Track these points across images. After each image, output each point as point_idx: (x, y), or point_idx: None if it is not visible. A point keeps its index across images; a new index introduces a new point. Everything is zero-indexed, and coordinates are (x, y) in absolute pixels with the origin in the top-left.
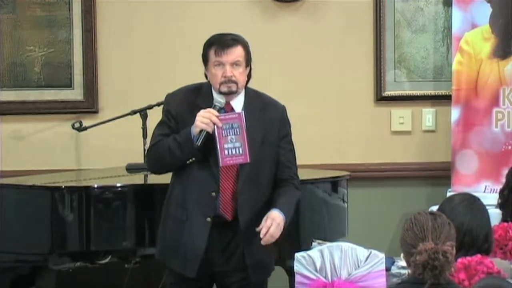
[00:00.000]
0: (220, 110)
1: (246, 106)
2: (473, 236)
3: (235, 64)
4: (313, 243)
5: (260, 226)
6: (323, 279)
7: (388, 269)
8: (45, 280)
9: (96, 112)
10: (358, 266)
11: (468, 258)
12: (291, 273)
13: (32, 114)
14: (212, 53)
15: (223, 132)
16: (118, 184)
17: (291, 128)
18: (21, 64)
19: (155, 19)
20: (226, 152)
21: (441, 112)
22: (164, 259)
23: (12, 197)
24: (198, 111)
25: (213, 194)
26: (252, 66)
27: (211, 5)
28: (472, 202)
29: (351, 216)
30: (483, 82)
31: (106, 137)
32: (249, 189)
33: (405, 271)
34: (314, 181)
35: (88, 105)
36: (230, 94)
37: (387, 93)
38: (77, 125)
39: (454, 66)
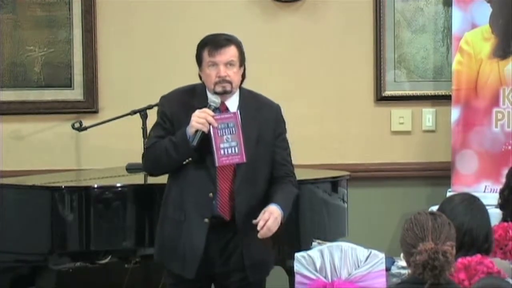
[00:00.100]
0: (215, 110)
1: (241, 106)
2: (473, 236)
3: (229, 64)
4: (313, 243)
5: (258, 219)
6: (323, 279)
7: (388, 269)
8: (45, 280)
9: (96, 112)
10: (358, 266)
11: (468, 258)
12: (291, 273)
13: (32, 114)
14: (205, 53)
15: (219, 131)
16: (118, 184)
17: (291, 128)
18: (21, 64)
19: (155, 19)
20: (222, 151)
21: (441, 112)
22: (162, 260)
23: (12, 197)
24: (193, 112)
25: (211, 194)
26: (252, 66)
27: (211, 5)
28: (472, 202)
29: (351, 216)
30: (483, 82)
31: (106, 137)
32: (246, 188)
33: (405, 271)
34: (314, 181)
35: (88, 105)
36: (224, 94)
37: (387, 93)
38: (77, 125)
39: (454, 66)
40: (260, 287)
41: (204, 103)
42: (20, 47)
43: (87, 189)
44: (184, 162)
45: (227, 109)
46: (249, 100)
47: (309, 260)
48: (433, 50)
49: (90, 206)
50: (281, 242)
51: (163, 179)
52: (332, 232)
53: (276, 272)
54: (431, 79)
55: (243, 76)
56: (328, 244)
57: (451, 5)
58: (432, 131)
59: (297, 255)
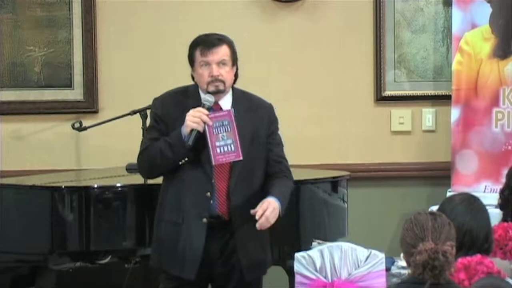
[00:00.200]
0: (209, 109)
1: (234, 106)
2: (473, 236)
3: (221, 63)
4: (313, 243)
5: (256, 209)
6: (323, 279)
7: (388, 269)
8: (45, 280)
9: (96, 112)
10: (358, 266)
11: (468, 258)
12: (291, 273)
13: (32, 114)
14: (198, 53)
15: (214, 130)
16: (118, 184)
17: (291, 128)
18: (21, 64)
19: (155, 19)
20: (218, 150)
21: (441, 112)
22: (161, 265)
23: (12, 197)
24: (187, 112)
25: (208, 194)
26: (252, 66)
27: (211, 5)
28: (472, 202)
29: (351, 216)
30: (483, 82)
31: (106, 137)
32: (242, 187)
33: (405, 271)
34: (314, 181)
35: (88, 105)
36: (217, 93)
37: (387, 93)
38: (77, 125)
39: (454, 66)
40: (257, 286)
41: (197, 104)
42: (20, 47)
43: (87, 189)
44: (180, 163)
45: (220, 109)
46: (242, 100)
47: (309, 260)
48: (433, 50)
49: (90, 206)
50: (281, 242)
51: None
52: (332, 232)
53: (276, 272)
54: (431, 79)
55: (236, 76)
56: (328, 244)
57: (451, 5)
58: (432, 131)
59: (297, 255)
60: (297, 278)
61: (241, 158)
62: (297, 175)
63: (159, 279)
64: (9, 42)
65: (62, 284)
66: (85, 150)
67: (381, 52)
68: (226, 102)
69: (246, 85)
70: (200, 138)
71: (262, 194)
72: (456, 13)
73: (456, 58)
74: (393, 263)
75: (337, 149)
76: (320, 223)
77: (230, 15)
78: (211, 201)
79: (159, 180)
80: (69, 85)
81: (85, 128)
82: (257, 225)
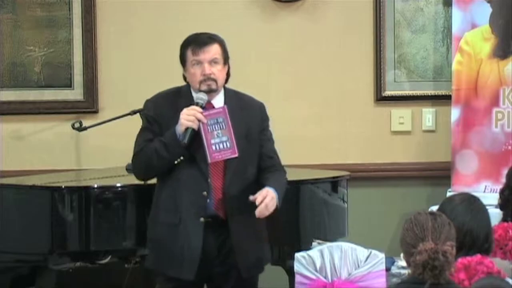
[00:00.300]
0: (202, 107)
1: (226, 104)
2: (474, 236)
3: (213, 61)
4: (313, 243)
5: (255, 195)
6: (323, 279)
7: (388, 269)
8: (45, 280)
9: (96, 112)
10: (358, 266)
11: (468, 258)
12: (291, 273)
13: (32, 114)
14: (189, 52)
15: (209, 128)
16: (118, 184)
17: (291, 128)
18: (21, 64)
19: (155, 19)
20: (213, 147)
21: (441, 112)
22: (158, 267)
23: (12, 197)
24: (180, 112)
25: (204, 193)
26: (252, 66)
27: (211, 5)
28: (472, 202)
29: (351, 216)
30: (483, 82)
31: (106, 137)
32: (236, 184)
33: (405, 271)
34: (314, 181)
35: (88, 105)
36: (210, 92)
37: (387, 93)
38: (77, 125)
39: (454, 66)
40: (253, 284)
41: (190, 103)
42: (20, 47)
43: (87, 189)
44: (176, 162)
45: (213, 108)
46: (234, 99)
47: (309, 260)
48: (433, 50)
49: (90, 206)
50: (281, 242)
51: None
52: (332, 232)
53: (276, 272)
54: (431, 79)
55: (228, 75)
56: (328, 244)
57: (451, 5)
58: (432, 131)
59: (297, 255)
60: (297, 278)
61: (237, 154)
62: (297, 175)
63: (156, 280)
64: (9, 42)
65: (62, 284)
66: (85, 150)
67: (381, 52)
68: (218, 101)
69: (247, 85)
70: (194, 136)
71: (256, 191)
72: (456, 13)
73: (456, 58)
74: (393, 263)
75: (337, 149)
76: (320, 223)
77: (230, 15)
78: (208, 200)
79: None
80: (69, 85)
81: (85, 128)
82: (256, 213)
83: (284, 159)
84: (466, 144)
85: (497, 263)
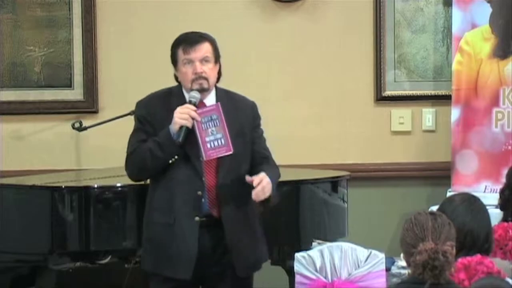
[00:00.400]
0: (195, 106)
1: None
2: (474, 236)
3: (204, 60)
4: (313, 243)
5: (252, 177)
6: (323, 279)
7: (388, 269)
8: (45, 280)
9: (96, 112)
10: (358, 266)
11: (468, 258)
12: (291, 273)
13: (32, 114)
14: (180, 52)
15: (203, 125)
16: (118, 184)
17: (291, 128)
18: (21, 64)
19: (155, 19)
20: (208, 145)
21: (441, 112)
22: (154, 269)
23: (12, 197)
24: (173, 112)
25: (199, 193)
26: (252, 66)
27: (211, 5)
28: (473, 203)
29: (351, 216)
30: (483, 82)
31: (106, 137)
32: (230, 182)
33: (405, 271)
34: (314, 181)
35: (88, 105)
36: (202, 91)
37: (387, 93)
38: (77, 125)
39: (454, 66)
40: (248, 283)
41: (182, 103)
42: (20, 47)
43: (87, 189)
44: (170, 161)
45: (206, 106)
46: (226, 98)
47: (309, 260)
48: (433, 50)
49: (90, 206)
50: (281, 242)
51: None
52: (332, 232)
53: (276, 272)
54: (431, 79)
55: (219, 74)
56: (328, 244)
57: (451, 5)
58: (432, 131)
59: (297, 255)
60: (297, 278)
61: (232, 151)
62: (297, 175)
63: (150, 283)
64: (9, 42)
65: (62, 284)
66: (85, 150)
67: (381, 52)
68: (210, 100)
69: (247, 85)
70: (188, 135)
71: (249, 189)
72: (456, 13)
73: (456, 58)
74: (393, 263)
75: (337, 149)
76: (320, 223)
77: (230, 15)
78: (202, 199)
79: None
80: (69, 85)
81: (85, 128)
82: (253, 195)
83: (285, 159)
84: (466, 144)
85: (497, 263)
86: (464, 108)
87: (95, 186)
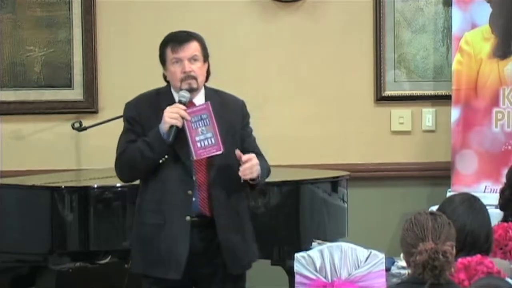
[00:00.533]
0: (185, 105)
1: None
2: (475, 237)
3: (192, 59)
4: (313, 243)
5: (241, 154)
6: (323, 279)
7: (388, 269)
8: (45, 280)
9: (96, 112)
10: (358, 266)
11: (468, 258)
12: (291, 273)
13: (32, 114)
14: (168, 51)
15: (193, 125)
16: (118, 184)
17: (291, 128)
18: (21, 64)
19: (155, 19)
20: (198, 144)
21: (441, 112)
22: (143, 270)
23: (12, 197)
24: (162, 112)
25: (189, 192)
26: (253, 66)
27: (211, 5)
28: (473, 203)
29: (351, 216)
30: (483, 82)
31: (106, 137)
32: (221, 180)
33: (405, 271)
34: (314, 181)
35: (88, 105)
36: (191, 91)
37: (387, 93)
38: (77, 125)
39: (454, 66)
40: (240, 282)
41: (171, 103)
42: (20, 47)
43: (87, 189)
44: (160, 161)
45: (196, 105)
46: (215, 97)
47: (309, 260)
48: (433, 50)
49: (90, 206)
50: (281, 242)
51: None
52: (332, 232)
53: (276, 272)
54: (431, 79)
55: (208, 73)
56: (328, 244)
57: (451, 5)
58: (432, 131)
59: (297, 255)
60: (297, 278)
61: (222, 150)
62: (297, 175)
63: (142, 284)
64: (9, 42)
65: (62, 284)
66: (85, 150)
67: (381, 52)
68: (199, 99)
69: (246, 85)
70: (178, 134)
71: (240, 187)
72: (456, 13)
73: (456, 58)
74: (393, 263)
75: (337, 149)
76: (320, 223)
77: (230, 15)
78: (193, 199)
79: None
80: (69, 85)
81: (85, 128)
82: (240, 171)
83: (285, 159)
84: (466, 144)
85: (497, 263)
86: (464, 108)
87: (95, 186)
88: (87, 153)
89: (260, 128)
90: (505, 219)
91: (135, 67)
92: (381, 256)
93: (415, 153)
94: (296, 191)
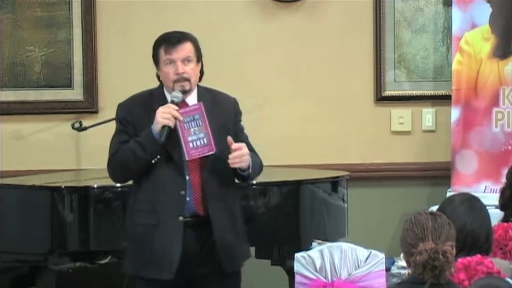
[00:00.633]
0: (177, 105)
1: (199, 101)
2: (475, 237)
3: (186, 60)
4: (313, 243)
5: (232, 142)
6: (323, 279)
7: (388, 269)
8: (45, 280)
9: (96, 112)
10: (358, 266)
11: (468, 258)
12: (291, 273)
13: (32, 114)
14: (162, 52)
15: (186, 125)
16: (118, 184)
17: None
18: (21, 64)
19: (155, 19)
20: (190, 144)
21: (441, 112)
22: (136, 271)
23: (12, 197)
24: (155, 113)
25: (182, 192)
26: (252, 66)
27: (211, 5)
28: (473, 203)
29: (351, 216)
30: (483, 82)
31: (106, 137)
32: (214, 179)
33: (405, 271)
34: (314, 181)
35: (88, 105)
36: (184, 93)
37: (387, 93)
38: (77, 125)
39: (454, 66)
40: (235, 282)
41: (163, 104)
42: (20, 47)
43: (87, 189)
44: (153, 161)
45: (188, 105)
46: (207, 95)
47: (309, 260)
48: (433, 50)
49: (90, 206)
50: (281, 242)
51: None
52: (332, 232)
53: (276, 272)
54: (431, 79)
55: (202, 73)
56: (328, 244)
57: (451, 5)
58: (432, 131)
59: (297, 255)
60: (297, 278)
61: (214, 151)
62: (297, 175)
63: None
64: (9, 42)
65: (62, 284)
66: (85, 150)
67: (381, 52)
68: (191, 99)
69: (246, 85)
70: (170, 134)
71: (234, 185)
72: (456, 13)
73: (456, 58)
74: (393, 263)
75: (337, 149)
76: (320, 223)
77: (230, 15)
78: (187, 199)
79: None
80: (69, 85)
81: (85, 128)
82: (230, 158)
83: (285, 159)
84: (466, 144)
85: (497, 263)
86: (464, 108)
87: (95, 186)
88: (87, 153)
89: (260, 128)
90: (505, 219)
91: (135, 67)
92: (381, 256)
93: (415, 153)
94: (296, 191)
